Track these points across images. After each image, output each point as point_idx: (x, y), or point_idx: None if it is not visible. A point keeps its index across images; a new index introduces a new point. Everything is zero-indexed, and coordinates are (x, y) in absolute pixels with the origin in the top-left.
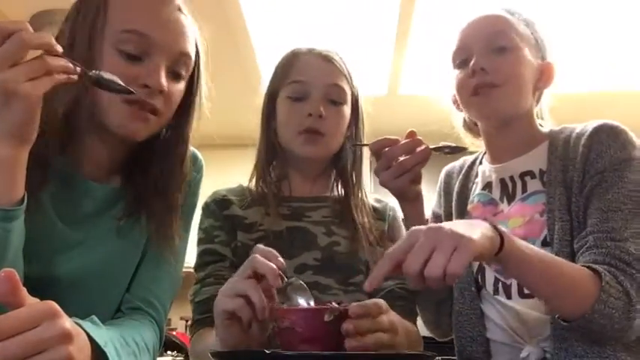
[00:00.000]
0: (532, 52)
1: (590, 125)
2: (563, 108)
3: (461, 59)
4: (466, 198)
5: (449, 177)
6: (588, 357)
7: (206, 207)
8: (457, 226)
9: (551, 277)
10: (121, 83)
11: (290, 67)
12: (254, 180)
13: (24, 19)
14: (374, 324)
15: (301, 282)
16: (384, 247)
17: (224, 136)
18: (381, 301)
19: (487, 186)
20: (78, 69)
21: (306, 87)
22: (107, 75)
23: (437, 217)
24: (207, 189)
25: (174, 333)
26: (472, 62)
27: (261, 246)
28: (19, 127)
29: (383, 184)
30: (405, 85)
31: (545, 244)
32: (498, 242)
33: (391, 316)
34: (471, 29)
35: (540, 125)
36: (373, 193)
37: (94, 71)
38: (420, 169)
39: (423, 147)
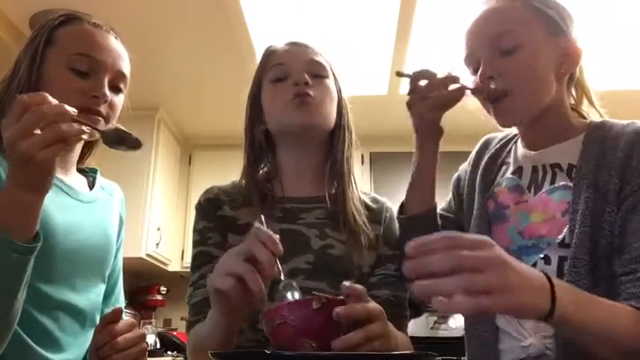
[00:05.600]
0: (548, 33)
1: (631, 126)
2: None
3: (472, 67)
4: (490, 173)
5: (484, 146)
6: None
7: (199, 207)
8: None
9: (610, 340)
10: (132, 133)
11: (268, 56)
12: (244, 180)
13: (24, 19)
14: (364, 309)
15: (294, 283)
16: (378, 251)
17: (225, 137)
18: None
19: (518, 170)
20: (85, 128)
21: (287, 67)
22: (116, 126)
23: (458, 181)
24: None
25: (174, 333)
26: (480, 71)
27: (260, 228)
28: (36, 182)
29: (419, 114)
30: (405, 85)
31: (562, 245)
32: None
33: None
34: (473, 32)
35: (578, 113)
36: (371, 193)
37: (108, 126)
38: (453, 105)
39: (458, 85)
